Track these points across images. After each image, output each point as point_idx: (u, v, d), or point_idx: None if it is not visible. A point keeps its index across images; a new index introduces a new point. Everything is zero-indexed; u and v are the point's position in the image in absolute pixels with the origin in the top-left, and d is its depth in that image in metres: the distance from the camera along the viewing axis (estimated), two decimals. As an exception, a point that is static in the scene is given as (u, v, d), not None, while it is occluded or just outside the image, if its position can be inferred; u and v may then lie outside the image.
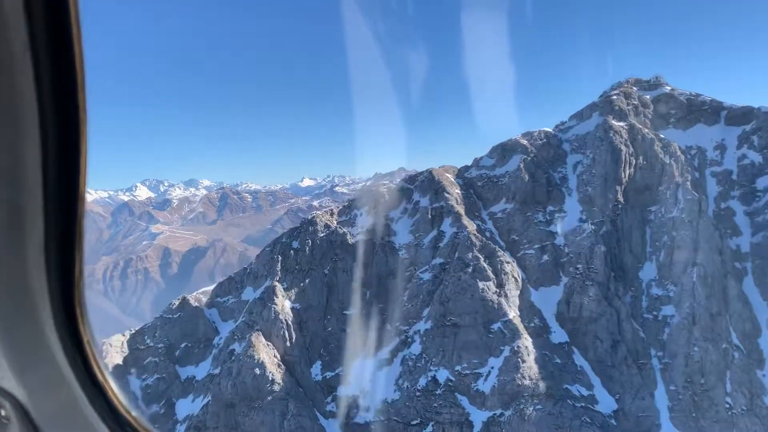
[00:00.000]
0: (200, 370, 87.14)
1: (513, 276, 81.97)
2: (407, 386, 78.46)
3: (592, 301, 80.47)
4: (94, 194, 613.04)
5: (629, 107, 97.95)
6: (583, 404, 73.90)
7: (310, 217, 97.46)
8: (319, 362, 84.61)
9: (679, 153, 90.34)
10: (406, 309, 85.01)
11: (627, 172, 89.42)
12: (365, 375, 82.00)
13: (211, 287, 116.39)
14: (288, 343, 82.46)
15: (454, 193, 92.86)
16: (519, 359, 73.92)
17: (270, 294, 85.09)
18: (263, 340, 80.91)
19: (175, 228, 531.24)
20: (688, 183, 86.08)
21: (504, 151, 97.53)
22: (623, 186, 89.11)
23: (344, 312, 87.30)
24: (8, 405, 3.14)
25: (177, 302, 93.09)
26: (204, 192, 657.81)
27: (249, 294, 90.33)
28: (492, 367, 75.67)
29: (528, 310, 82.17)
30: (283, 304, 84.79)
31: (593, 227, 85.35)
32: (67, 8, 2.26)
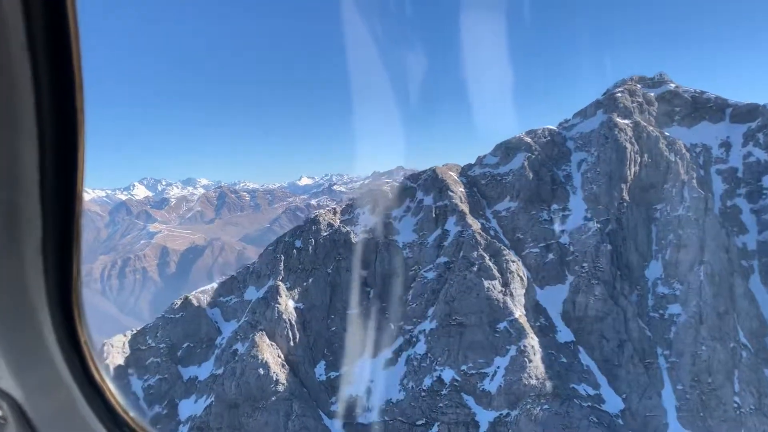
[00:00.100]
0: (203, 371, 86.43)
1: (518, 275, 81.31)
2: (412, 386, 77.80)
3: (598, 300, 79.89)
4: (91, 193, 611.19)
5: (634, 105, 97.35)
6: (589, 404, 73.33)
7: (313, 215, 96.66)
8: (322, 362, 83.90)
9: (684, 151, 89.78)
10: (411, 308, 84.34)
11: (632, 170, 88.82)
12: (369, 375, 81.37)
13: (210, 286, 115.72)
14: (292, 343, 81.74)
15: (458, 191, 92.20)
16: (525, 359, 73.28)
17: (273, 293, 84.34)
18: (267, 340, 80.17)
19: (172, 227, 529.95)
20: (694, 181, 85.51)
21: (508, 149, 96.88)
22: (628, 184, 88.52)
23: (348, 311, 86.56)
24: (5, 405, 3.15)
25: (179, 302, 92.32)
26: (202, 191, 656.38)
27: (252, 293, 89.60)
28: (498, 367, 75.02)
29: (533, 309, 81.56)
30: (287, 304, 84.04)
31: (599, 226, 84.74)
32: (65, 8, 2.25)
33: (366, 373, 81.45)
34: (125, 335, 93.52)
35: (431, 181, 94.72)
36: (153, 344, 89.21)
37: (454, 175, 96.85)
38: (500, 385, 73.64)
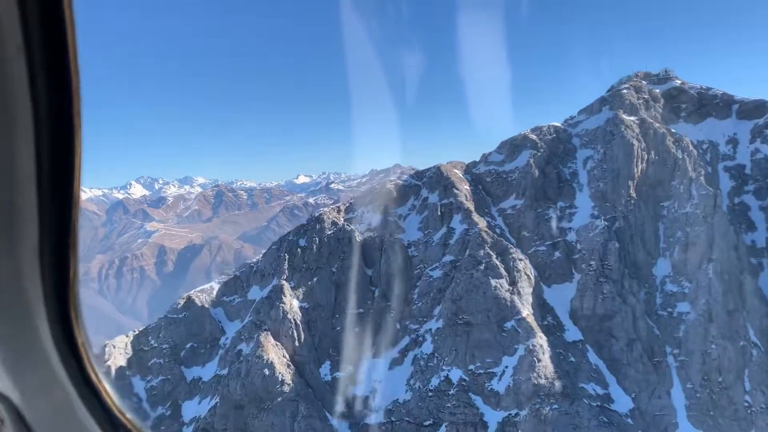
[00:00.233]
0: (207, 371, 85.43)
1: (526, 273, 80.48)
2: (419, 386, 76.94)
3: (607, 298, 79.12)
4: (88, 192, 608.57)
5: (639, 101, 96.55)
6: (598, 403, 72.62)
7: (317, 214, 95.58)
8: (328, 362, 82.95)
9: (691, 147, 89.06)
10: (416, 307, 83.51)
11: (639, 167, 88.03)
12: (375, 375, 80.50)
13: (209, 285, 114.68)
14: (297, 343, 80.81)
15: (463, 189, 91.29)
16: (534, 358, 72.44)
17: (278, 293, 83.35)
18: (272, 340, 79.22)
19: (170, 226, 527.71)
20: (702, 178, 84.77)
21: (513, 146, 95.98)
22: (635, 181, 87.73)
23: (353, 311, 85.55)
24: (2, 407, 3.13)
25: (182, 302, 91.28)
26: (199, 189, 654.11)
27: (255, 293, 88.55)
28: (506, 366, 74.21)
29: (540, 307, 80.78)
30: (291, 303, 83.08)
31: (606, 223, 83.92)
32: (61, 9, 2.26)
33: (372, 373, 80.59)
34: (127, 336, 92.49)
35: (436, 179, 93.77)
36: (155, 345, 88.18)
37: (458, 172, 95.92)
38: (509, 385, 72.84)
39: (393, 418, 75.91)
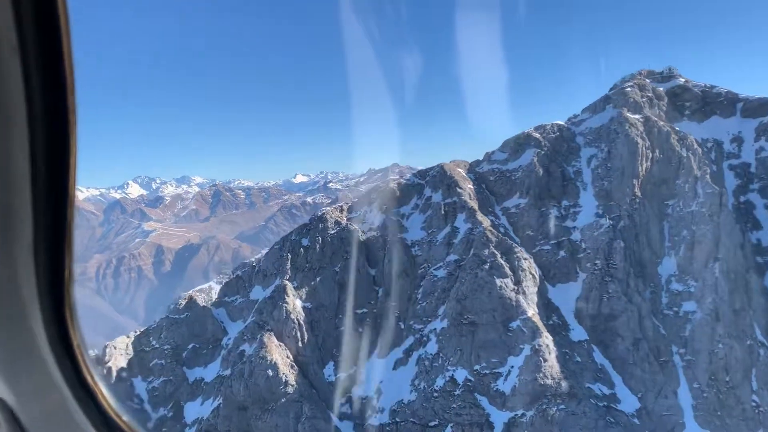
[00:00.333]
0: (209, 372, 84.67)
1: (531, 273, 79.89)
2: (424, 387, 76.30)
3: (612, 297, 78.62)
4: (86, 192, 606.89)
5: (643, 99, 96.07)
6: (605, 404, 72.11)
7: (320, 213, 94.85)
8: (331, 363, 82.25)
9: (696, 146, 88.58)
10: (421, 307, 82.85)
11: (644, 165, 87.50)
12: (379, 375, 79.88)
13: (207, 285, 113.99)
14: (300, 344, 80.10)
15: (467, 188, 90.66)
16: (541, 358, 71.86)
17: (280, 293, 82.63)
18: (275, 340, 78.50)
19: (167, 225, 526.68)
20: (708, 176, 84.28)
21: (516, 144, 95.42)
22: (640, 180, 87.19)
23: (356, 311, 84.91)
24: None
25: (183, 302, 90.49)
26: (196, 189, 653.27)
27: (258, 293, 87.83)
28: (512, 367, 73.60)
29: (545, 307, 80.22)
30: (294, 303, 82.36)
31: (611, 222, 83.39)
32: (56, 9, 2.28)
33: (376, 374, 79.97)
34: (128, 337, 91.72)
35: (439, 178, 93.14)
36: (157, 345, 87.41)
37: (462, 171, 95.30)
38: (515, 385, 72.23)
39: (398, 419, 75.26)
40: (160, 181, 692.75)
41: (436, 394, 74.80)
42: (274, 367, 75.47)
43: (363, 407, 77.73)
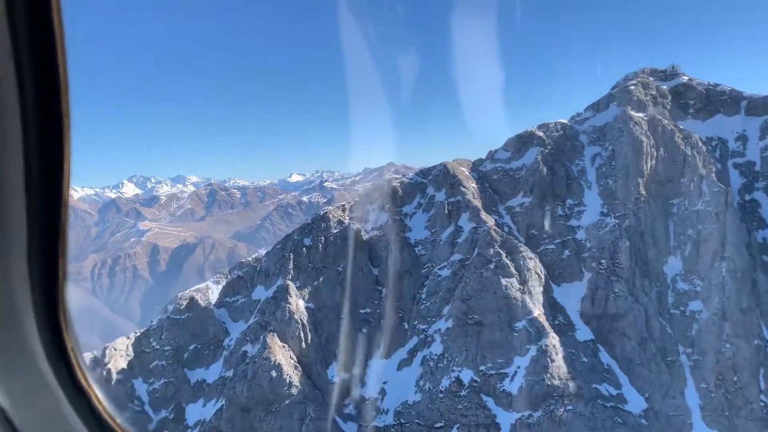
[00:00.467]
0: (211, 373, 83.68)
1: (536, 272, 79.24)
2: (429, 387, 75.53)
3: (618, 297, 78.04)
4: (80, 191, 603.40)
5: (647, 98, 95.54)
6: (612, 404, 71.49)
7: (322, 212, 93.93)
8: (335, 364, 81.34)
9: (700, 144, 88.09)
10: (425, 307, 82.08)
11: (649, 164, 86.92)
12: (383, 376, 79.06)
13: (204, 284, 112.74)
14: (303, 344, 79.19)
15: (470, 186, 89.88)
16: (548, 358, 71.17)
17: (283, 293, 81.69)
18: (278, 341, 77.57)
19: (163, 225, 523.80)
20: (713, 175, 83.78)
21: (520, 143, 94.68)
22: (645, 178, 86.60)
23: (360, 311, 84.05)
24: None
25: (184, 303, 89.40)
26: (192, 188, 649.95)
27: (260, 293, 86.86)
28: (518, 367, 72.91)
29: (550, 307, 79.55)
30: (297, 304, 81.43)
31: (616, 221, 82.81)
32: (49, 11, 2.30)
33: (380, 375, 79.14)
34: (128, 338, 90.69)
35: (442, 177, 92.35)
36: (157, 346, 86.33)
37: (465, 170, 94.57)
38: (521, 386, 71.51)
39: (402, 420, 74.47)
40: (156, 181, 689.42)
41: (441, 395, 74.05)
42: (278, 368, 74.54)
43: (367, 408, 76.89)
